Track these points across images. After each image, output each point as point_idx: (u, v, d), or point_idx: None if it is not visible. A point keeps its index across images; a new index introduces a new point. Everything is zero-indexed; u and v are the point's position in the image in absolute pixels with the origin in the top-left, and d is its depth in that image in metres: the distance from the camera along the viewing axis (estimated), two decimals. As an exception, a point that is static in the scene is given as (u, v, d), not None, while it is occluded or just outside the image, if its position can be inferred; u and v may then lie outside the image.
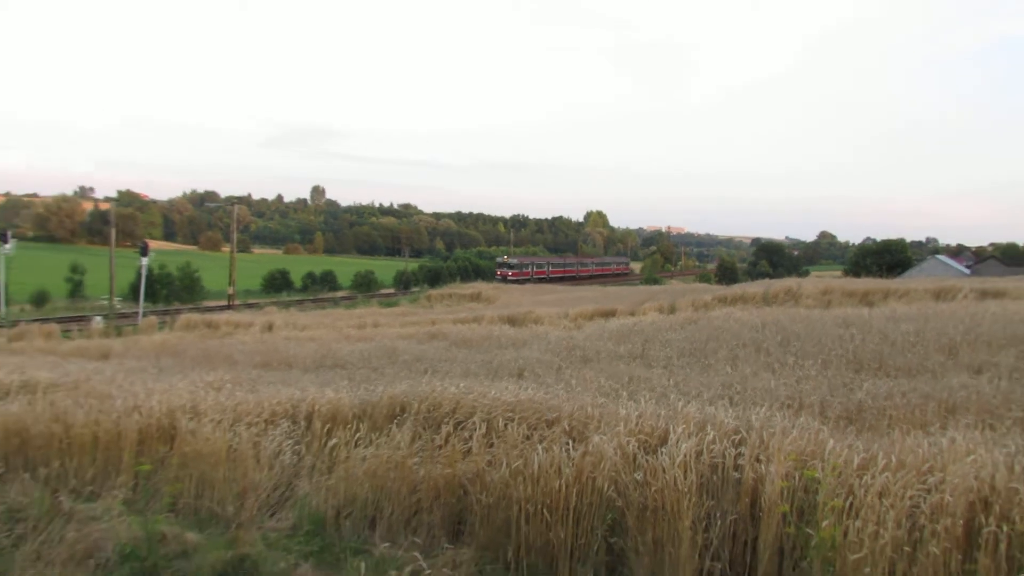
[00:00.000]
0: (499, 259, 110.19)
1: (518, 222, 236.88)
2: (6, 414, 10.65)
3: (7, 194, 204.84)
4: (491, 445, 7.24)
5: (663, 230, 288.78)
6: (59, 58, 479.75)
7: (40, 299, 56.88)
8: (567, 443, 6.62)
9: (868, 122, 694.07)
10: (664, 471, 5.69)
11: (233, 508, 7.45)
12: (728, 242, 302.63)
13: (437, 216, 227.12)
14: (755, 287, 38.93)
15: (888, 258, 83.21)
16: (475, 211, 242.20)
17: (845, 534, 4.97)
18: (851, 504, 5.12)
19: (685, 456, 5.76)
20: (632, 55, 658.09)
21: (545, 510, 5.89)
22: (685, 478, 5.58)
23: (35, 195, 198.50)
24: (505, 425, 7.54)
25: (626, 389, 10.50)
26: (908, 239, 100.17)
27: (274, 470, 8.21)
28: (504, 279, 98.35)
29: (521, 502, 6.00)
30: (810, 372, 12.67)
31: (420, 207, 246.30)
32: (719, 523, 5.52)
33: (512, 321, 30.66)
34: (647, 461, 6.01)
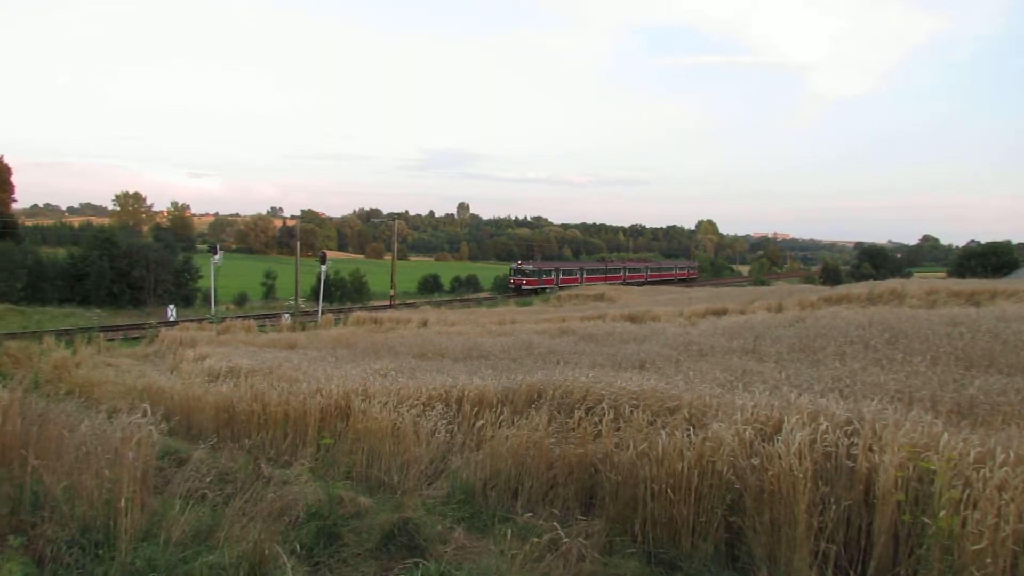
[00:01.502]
0: (513, 266, 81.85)
1: (636, 231, 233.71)
2: (218, 394, 11.48)
3: (216, 214, 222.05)
4: (618, 429, 7.14)
5: (769, 236, 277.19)
6: (256, 106, 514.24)
7: (241, 299, 61.08)
8: (688, 429, 6.42)
9: (967, 129, 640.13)
10: (780, 457, 5.41)
11: (397, 477, 7.68)
12: (831, 247, 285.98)
13: (565, 227, 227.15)
14: (860, 288, 36.60)
15: (994, 259, 75.25)
16: (598, 222, 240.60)
17: (963, 524, 4.55)
18: (968, 496, 4.68)
19: (799, 444, 5.45)
20: (740, 74, 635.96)
21: (669, 489, 5.73)
22: (800, 465, 5.28)
23: (237, 215, 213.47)
24: (631, 411, 7.42)
25: (740, 381, 10.09)
26: (1014, 241, 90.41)
27: (430, 446, 8.41)
28: (518, 288, 74.49)
29: (647, 481, 5.87)
30: (919, 368, 11.69)
31: (550, 219, 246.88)
32: (833, 508, 5.19)
33: (632, 319, 30.18)
34: (763, 448, 5.74)
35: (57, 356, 20.20)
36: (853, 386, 9.90)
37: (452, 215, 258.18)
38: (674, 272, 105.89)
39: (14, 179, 60.20)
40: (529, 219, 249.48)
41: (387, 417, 8.48)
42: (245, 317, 39.16)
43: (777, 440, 5.67)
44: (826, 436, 5.73)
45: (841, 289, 38.64)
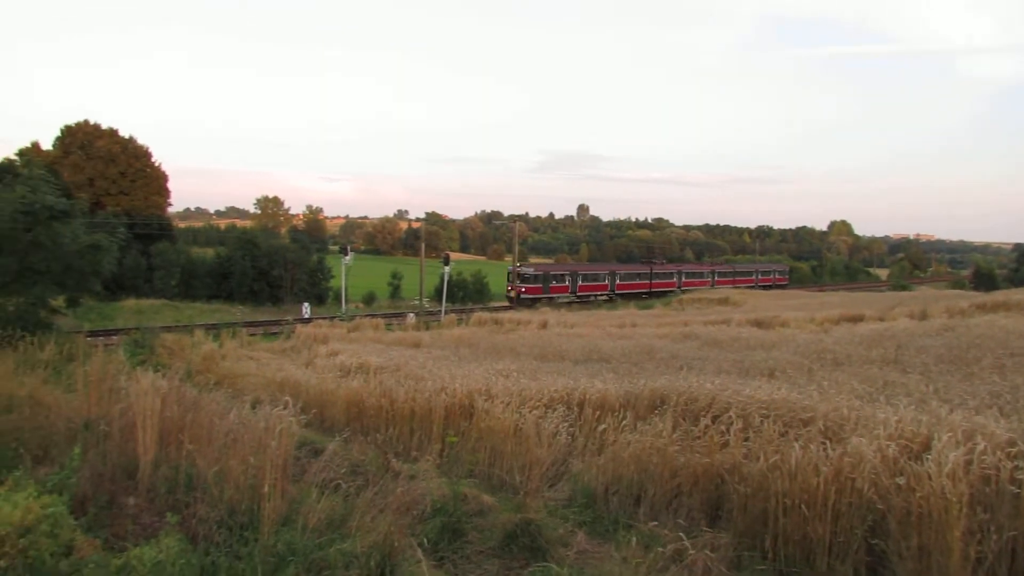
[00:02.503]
0: (510, 268, 62.42)
1: (762, 232, 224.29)
2: (349, 389, 12.01)
3: (346, 217, 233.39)
4: (746, 439, 6.87)
5: (911, 237, 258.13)
6: (385, 114, 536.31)
7: (369, 298, 63.77)
8: (823, 443, 6.07)
9: None
10: (929, 479, 5.00)
11: (519, 478, 7.73)
12: (984, 248, 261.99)
13: (687, 228, 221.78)
14: (1021, 294, 33.41)
15: None
16: (721, 223, 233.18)
17: None
18: None
19: (952, 465, 5.01)
20: (883, 63, 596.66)
21: (803, 505, 5.44)
22: (954, 488, 4.86)
23: (365, 217, 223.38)
24: (761, 421, 7.12)
25: (881, 393, 9.43)
26: None
27: (552, 448, 8.41)
28: (519, 298, 56.94)
29: (778, 495, 5.60)
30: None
31: (671, 220, 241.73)
32: (994, 538, 4.73)
33: (759, 324, 29.01)
34: (909, 467, 5.32)
35: (206, 349, 21.87)
36: (1016, 403, 8.99)
37: (572, 217, 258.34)
38: (754, 277, 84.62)
39: (170, 185, 65.62)
40: (650, 220, 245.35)
41: (509, 417, 8.56)
42: (373, 315, 40.75)
43: (926, 459, 5.25)
44: (984, 458, 5.25)
45: (998, 295, 35.37)
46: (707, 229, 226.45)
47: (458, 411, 9.73)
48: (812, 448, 5.84)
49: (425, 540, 5.42)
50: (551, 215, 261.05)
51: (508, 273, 61.59)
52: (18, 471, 6.58)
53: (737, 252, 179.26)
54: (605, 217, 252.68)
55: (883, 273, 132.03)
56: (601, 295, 64.93)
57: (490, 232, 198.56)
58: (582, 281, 64.24)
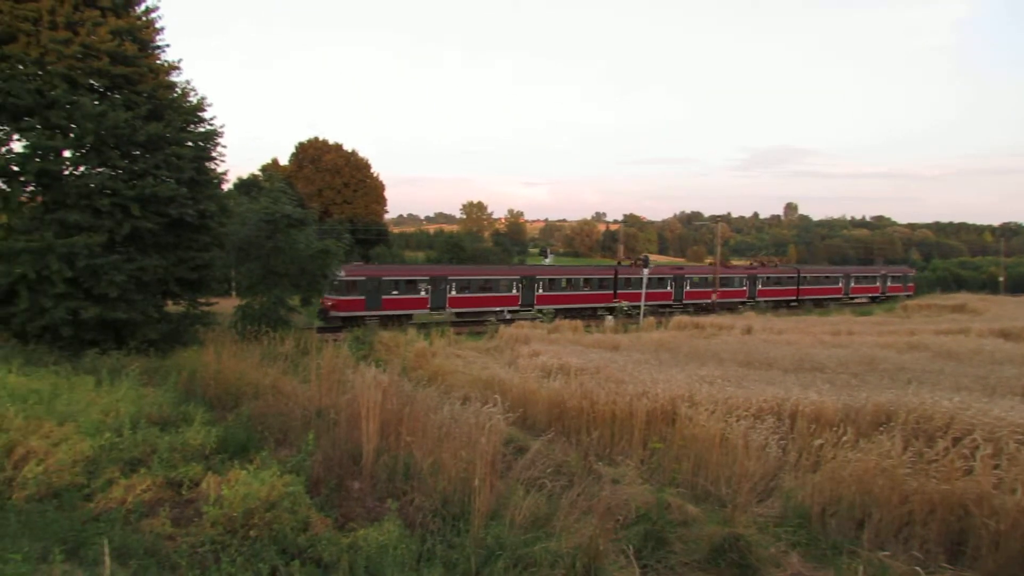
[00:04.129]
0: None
1: (1008, 230, 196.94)
2: (550, 389, 12.22)
3: (545, 220, 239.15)
4: (996, 467, 6.06)
5: None
6: (581, 118, 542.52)
7: (568, 300, 64.73)
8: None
9: None
10: None
11: (725, 489, 7.43)
12: None
13: (912, 227, 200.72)
14: None
15: None
16: (955, 220, 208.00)
17: None
18: None
19: None
20: None
21: (1073, 549, 4.68)
22: None
23: (564, 220, 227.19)
24: (1016, 448, 6.24)
25: None
26: None
27: (760, 460, 7.99)
28: (325, 314, 33.42)
29: (1041, 535, 4.87)
30: None
31: (893, 218, 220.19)
32: None
33: (1006, 335, 25.54)
34: None
35: (418, 346, 23.35)
36: None
37: (778, 216, 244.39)
38: (839, 284, 58.85)
39: (386, 193, 71.28)
40: (868, 219, 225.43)
41: (715, 426, 8.26)
42: (572, 317, 41.19)
43: None
44: None
45: None
46: (937, 227, 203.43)
47: (660, 416, 9.56)
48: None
49: (630, 547, 5.37)
50: (755, 215, 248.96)
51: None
52: (264, 451, 7.48)
53: (976, 253, 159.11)
54: (816, 216, 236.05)
55: None
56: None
57: (689, 233, 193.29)
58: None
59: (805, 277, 57.15)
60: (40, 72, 15.36)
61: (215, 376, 11.64)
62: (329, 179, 65.44)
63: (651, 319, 37.95)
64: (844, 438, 7.51)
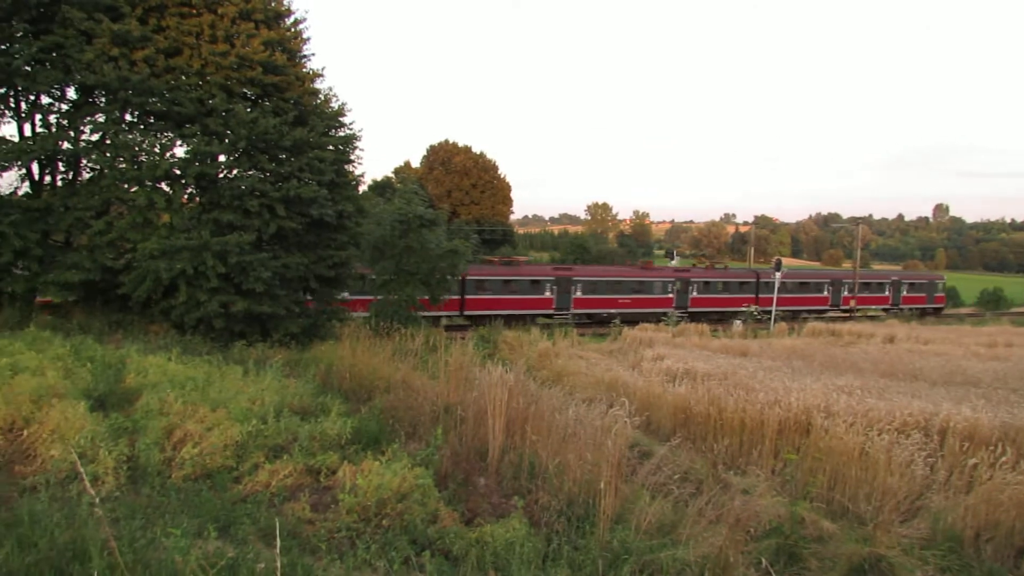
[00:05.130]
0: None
1: None
2: (675, 394, 12.01)
3: (672, 221, 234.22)
4: None
5: None
6: (716, 119, 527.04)
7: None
8: None
9: None
10: None
11: (864, 506, 7.03)
12: None
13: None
14: None
15: None
16: None
17: None
18: None
19: None
20: None
21: None
22: None
23: (691, 222, 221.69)
24: None
25: None
26: None
27: (905, 478, 7.52)
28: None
29: None
30: None
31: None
32: None
33: None
34: None
35: (542, 346, 23.57)
36: None
37: (926, 218, 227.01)
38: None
39: (512, 195, 72.37)
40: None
41: (854, 439, 7.84)
42: (697, 321, 40.16)
43: None
44: None
45: None
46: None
47: (793, 427, 9.18)
48: None
49: (762, 560, 5.20)
50: (899, 216, 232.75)
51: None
52: (395, 444, 7.80)
53: None
54: (970, 218, 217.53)
55: None
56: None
57: (826, 236, 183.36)
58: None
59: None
60: (200, 82, 16.72)
61: (350, 369, 12.24)
62: (458, 180, 67.26)
63: (783, 324, 36.37)
64: (1002, 458, 6.94)
